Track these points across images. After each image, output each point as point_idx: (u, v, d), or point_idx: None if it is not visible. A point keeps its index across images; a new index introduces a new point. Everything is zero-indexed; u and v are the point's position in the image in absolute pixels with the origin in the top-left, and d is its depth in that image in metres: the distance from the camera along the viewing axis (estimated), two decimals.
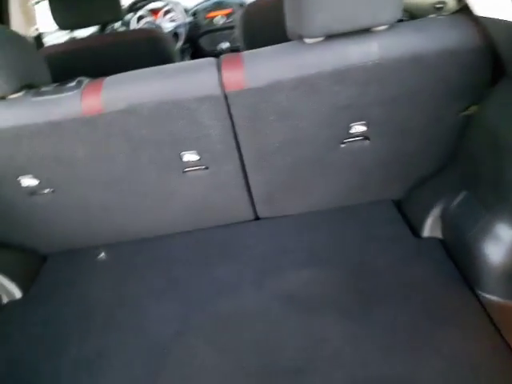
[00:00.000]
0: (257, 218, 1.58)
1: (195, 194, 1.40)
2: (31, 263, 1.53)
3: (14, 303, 1.42)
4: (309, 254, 1.40)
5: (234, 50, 2.88)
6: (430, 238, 1.37)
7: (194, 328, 1.22)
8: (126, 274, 1.43)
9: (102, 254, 1.51)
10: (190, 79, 1.10)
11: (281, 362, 1.10)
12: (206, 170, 1.32)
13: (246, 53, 1.14)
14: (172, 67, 1.15)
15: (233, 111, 1.16)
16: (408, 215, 1.48)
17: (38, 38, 2.14)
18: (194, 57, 3.30)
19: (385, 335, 1.13)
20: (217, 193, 1.41)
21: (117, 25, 3.09)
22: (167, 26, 3.06)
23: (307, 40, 1.10)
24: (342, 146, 1.32)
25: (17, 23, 2.04)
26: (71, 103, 1.09)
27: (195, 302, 1.29)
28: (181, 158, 1.26)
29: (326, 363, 1.09)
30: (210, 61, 1.13)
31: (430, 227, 1.37)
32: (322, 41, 1.10)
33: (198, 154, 1.25)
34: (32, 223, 1.42)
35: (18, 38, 1.16)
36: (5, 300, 1.42)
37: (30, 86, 1.14)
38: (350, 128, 1.26)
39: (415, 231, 1.41)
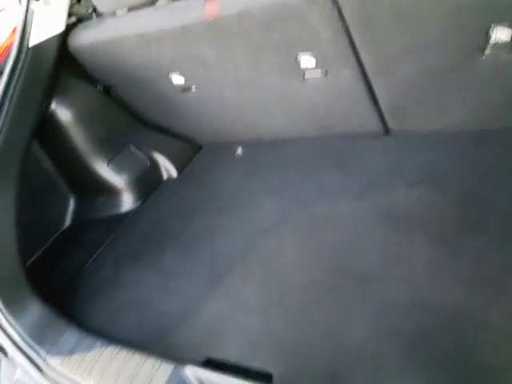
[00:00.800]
0: (386, 131, 1.52)
1: (316, 100, 1.42)
2: (188, 150, 1.85)
3: (171, 181, 1.77)
4: (425, 175, 1.32)
5: None
6: None
7: (290, 222, 1.34)
8: (251, 170, 1.62)
9: (239, 151, 1.72)
10: None
11: (353, 267, 1.15)
12: (325, 77, 1.32)
13: None
14: None
15: (343, 13, 1.11)
16: None
17: None
18: None
19: (471, 268, 1.04)
20: (338, 100, 1.40)
21: None
22: None
23: None
24: (484, 57, 1.13)
25: None
26: (197, 7, 1.23)
27: (298, 201, 1.40)
28: (298, 64, 1.30)
29: (397, 279, 1.08)
30: None
31: None
32: None
33: (314, 58, 1.26)
34: (185, 116, 1.69)
35: None
36: (165, 177, 1.78)
37: None
38: (489, 35, 1.07)
39: None
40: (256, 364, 1.01)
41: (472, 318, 0.96)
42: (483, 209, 1.15)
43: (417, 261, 1.11)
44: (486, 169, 1.26)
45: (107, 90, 1.71)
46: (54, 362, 1.08)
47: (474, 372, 0.87)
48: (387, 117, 1.45)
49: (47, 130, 1.60)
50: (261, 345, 1.05)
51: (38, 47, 1.45)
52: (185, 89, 1.53)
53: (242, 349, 1.06)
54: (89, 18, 1.55)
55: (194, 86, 1.53)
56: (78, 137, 1.64)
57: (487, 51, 1.11)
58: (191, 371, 0.99)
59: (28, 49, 1.43)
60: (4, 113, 1.33)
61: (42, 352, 1.10)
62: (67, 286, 1.40)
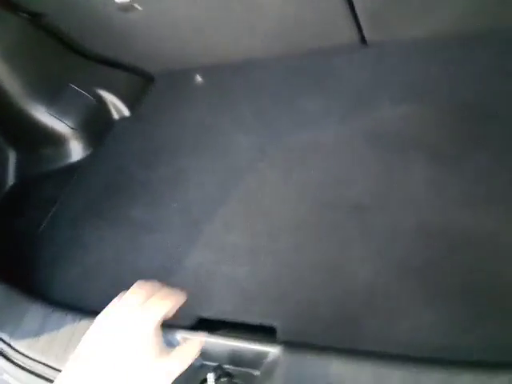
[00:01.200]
0: (363, 42, 1.35)
1: (284, 9, 1.22)
2: (138, 83, 1.60)
3: (124, 121, 1.55)
4: (414, 88, 1.18)
5: None
6: None
7: (270, 157, 1.19)
8: (216, 101, 1.42)
9: (199, 78, 1.51)
10: None
11: (346, 198, 1.03)
12: None
13: None
14: None
15: None
16: None
17: None
18: None
19: (477, 185, 0.95)
20: (309, 6, 1.21)
21: None
22: None
23: None
24: None
25: None
26: None
27: (275, 133, 1.24)
28: None
29: (397, 205, 0.98)
30: None
31: None
32: None
33: None
34: (131, 42, 1.44)
35: None
36: (116, 117, 1.55)
37: None
38: None
39: None
40: (255, 318, 0.90)
41: (483, 238, 0.87)
42: (479, 118, 1.05)
43: (415, 183, 1.00)
44: (478, 75, 1.13)
45: (37, 19, 1.41)
46: (21, 346, 0.93)
47: (493, 294, 0.80)
48: (364, 24, 1.27)
49: None
50: (256, 296, 0.94)
51: None
52: (126, 8, 1.28)
53: (235, 303, 0.95)
54: None
55: (137, 4, 1.27)
56: (6, 78, 1.37)
57: None
58: (182, 336, 0.87)
59: None
60: None
61: (5, 336, 0.95)
62: (21, 255, 1.22)
